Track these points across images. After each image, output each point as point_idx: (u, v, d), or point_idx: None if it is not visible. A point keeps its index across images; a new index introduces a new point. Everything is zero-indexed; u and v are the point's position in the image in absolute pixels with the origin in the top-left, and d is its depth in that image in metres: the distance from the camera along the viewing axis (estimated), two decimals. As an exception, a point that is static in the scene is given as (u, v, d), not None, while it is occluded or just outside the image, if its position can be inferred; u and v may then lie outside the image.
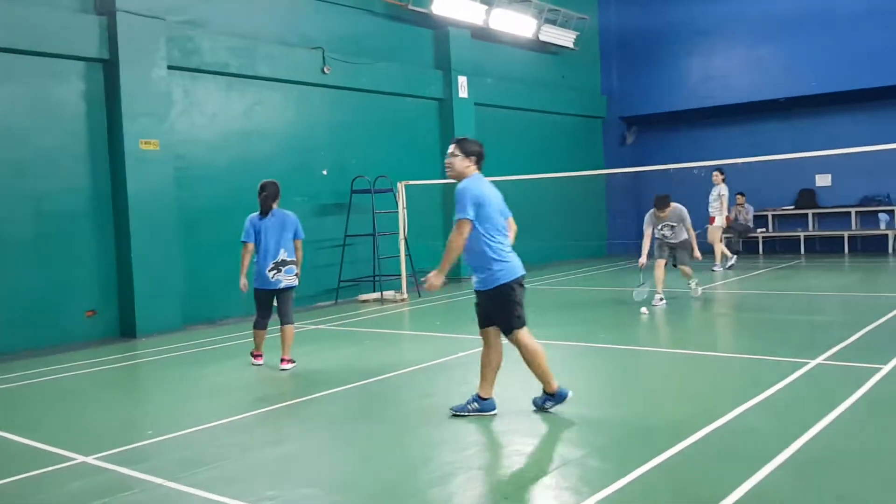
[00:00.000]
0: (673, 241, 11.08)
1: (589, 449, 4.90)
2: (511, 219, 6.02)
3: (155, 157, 10.80)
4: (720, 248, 15.34)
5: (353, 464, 5.01)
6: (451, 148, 5.82)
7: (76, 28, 10.31)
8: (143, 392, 7.81)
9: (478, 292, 5.82)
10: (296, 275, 7.93)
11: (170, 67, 11.15)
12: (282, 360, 7.89)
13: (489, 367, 5.83)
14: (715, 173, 15.33)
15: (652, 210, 10.88)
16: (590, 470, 4.53)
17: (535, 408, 5.81)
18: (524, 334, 5.68)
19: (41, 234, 10.04)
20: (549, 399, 5.76)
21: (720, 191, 15.23)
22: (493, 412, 5.77)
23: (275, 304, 8.00)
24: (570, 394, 5.77)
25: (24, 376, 8.20)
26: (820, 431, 4.95)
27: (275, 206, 7.94)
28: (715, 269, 15.05)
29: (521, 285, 5.70)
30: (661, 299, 11.03)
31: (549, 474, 4.46)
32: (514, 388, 6.85)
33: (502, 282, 5.61)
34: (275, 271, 7.80)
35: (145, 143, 10.72)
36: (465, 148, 5.77)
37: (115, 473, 4.92)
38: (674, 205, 10.87)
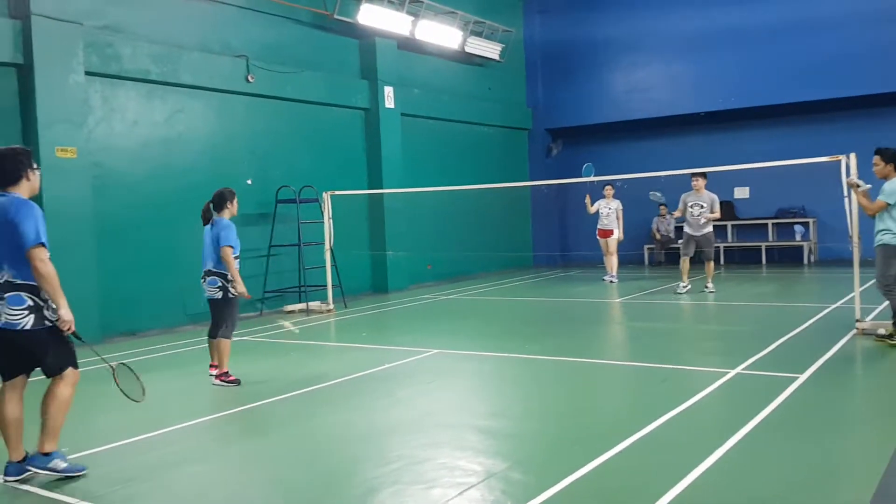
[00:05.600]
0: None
1: (512, 462, 4.90)
2: None
3: (72, 165, 10.43)
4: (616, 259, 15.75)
5: (273, 480, 4.90)
6: None
7: (-12, 31, 9.92)
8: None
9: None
10: (219, 287, 7.53)
11: (88, 73, 10.81)
12: (211, 367, 7.72)
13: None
14: (607, 188, 15.63)
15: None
16: (513, 483, 4.53)
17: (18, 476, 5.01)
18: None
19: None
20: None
21: (617, 205, 15.56)
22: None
23: None
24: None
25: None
26: (741, 439, 5.07)
27: (224, 213, 7.72)
28: (613, 280, 15.43)
29: None
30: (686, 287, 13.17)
31: (474, 487, 4.44)
32: (440, 401, 6.84)
33: None
34: (203, 281, 7.65)
35: (62, 150, 10.35)
36: None
37: (28, 493, 4.75)
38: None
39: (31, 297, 4.86)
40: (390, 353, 8.85)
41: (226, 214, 7.75)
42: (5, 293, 4.85)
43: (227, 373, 7.65)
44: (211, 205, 7.78)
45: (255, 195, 13.37)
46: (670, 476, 4.42)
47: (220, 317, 7.64)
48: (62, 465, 4.98)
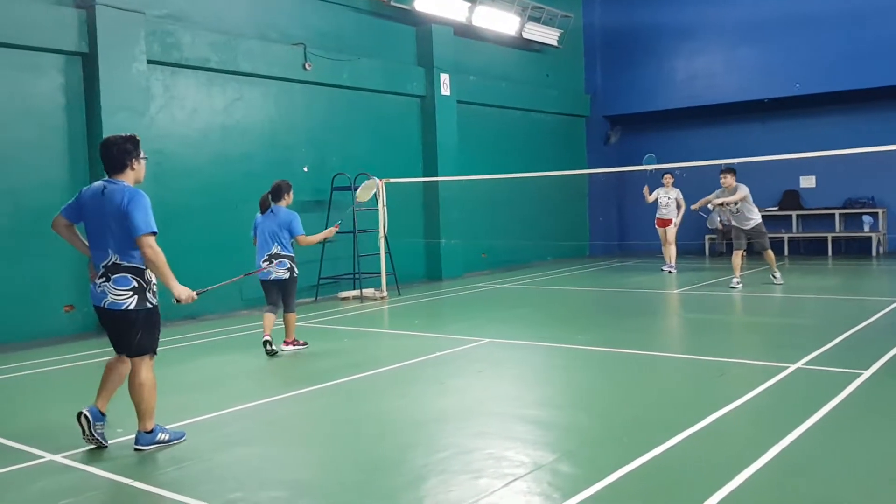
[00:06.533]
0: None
1: (560, 454, 4.84)
2: None
3: (133, 152, 10.63)
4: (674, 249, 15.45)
5: (322, 465, 4.94)
6: None
7: (55, 21, 10.16)
8: (115, 391, 7.69)
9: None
10: (288, 267, 8.34)
11: (149, 62, 11.01)
12: (283, 342, 8.61)
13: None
14: (666, 176, 15.28)
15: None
16: (560, 475, 4.47)
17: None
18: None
19: (19, 228, 9.89)
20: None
21: (677, 194, 15.22)
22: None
23: None
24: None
25: (-5, 373, 8.08)
26: (798, 437, 4.91)
27: (282, 203, 8.45)
28: (671, 270, 15.15)
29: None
30: (738, 282, 12.56)
31: (521, 479, 4.39)
32: (489, 390, 6.79)
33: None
34: (267, 263, 8.28)
35: (123, 137, 10.56)
36: None
37: (82, 472, 4.85)
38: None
39: (136, 279, 5.12)
40: (442, 342, 8.85)
41: (282, 204, 8.44)
42: (112, 274, 5.10)
43: (295, 339, 8.69)
44: (269, 195, 8.44)
45: (312, 182, 13.49)
46: (724, 473, 4.30)
47: (287, 294, 8.47)
48: (166, 436, 5.32)
